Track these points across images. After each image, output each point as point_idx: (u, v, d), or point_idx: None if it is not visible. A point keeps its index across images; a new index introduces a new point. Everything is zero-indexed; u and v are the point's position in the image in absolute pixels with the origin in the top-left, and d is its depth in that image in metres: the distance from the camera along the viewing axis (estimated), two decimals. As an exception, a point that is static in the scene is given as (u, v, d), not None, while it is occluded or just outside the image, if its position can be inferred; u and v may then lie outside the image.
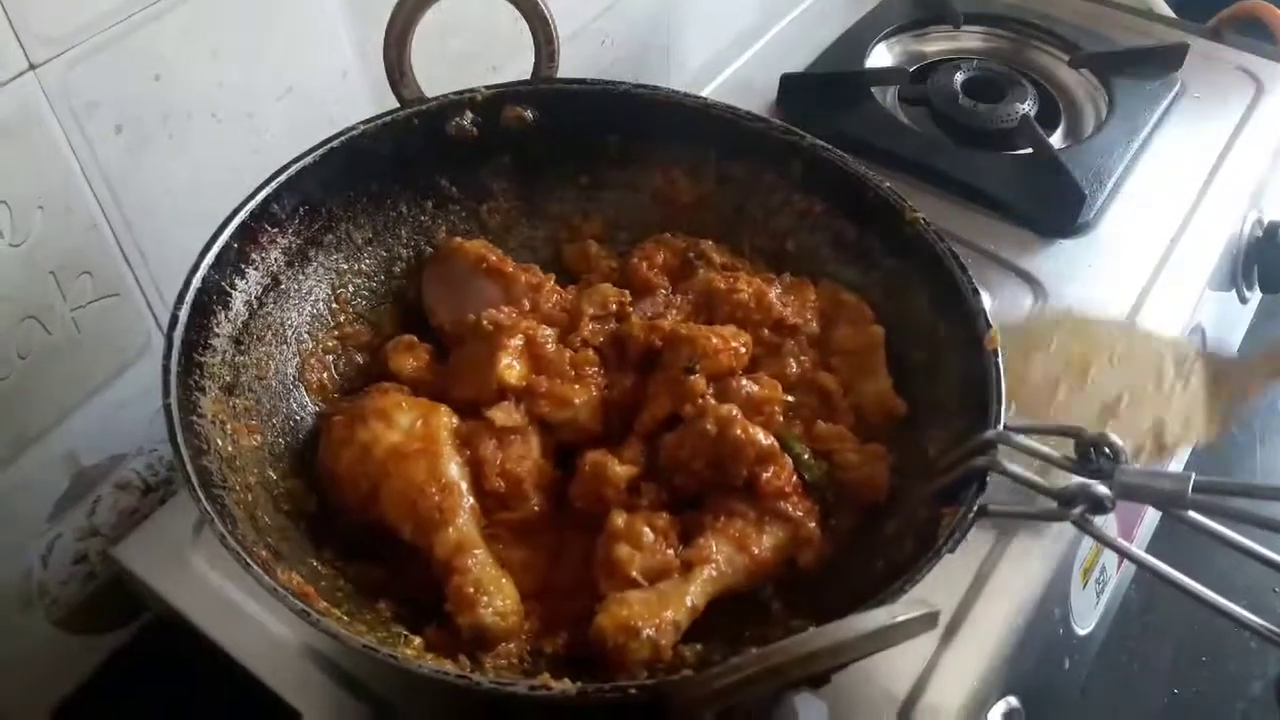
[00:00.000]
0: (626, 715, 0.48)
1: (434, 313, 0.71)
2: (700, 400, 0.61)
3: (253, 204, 0.64)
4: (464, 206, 0.76)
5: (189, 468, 0.53)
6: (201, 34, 0.66)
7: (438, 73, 0.83)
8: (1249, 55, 1.11)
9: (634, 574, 0.55)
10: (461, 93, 0.72)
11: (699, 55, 1.09)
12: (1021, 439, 0.53)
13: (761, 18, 1.15)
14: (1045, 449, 0.52)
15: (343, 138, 0.68)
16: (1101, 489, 0.50)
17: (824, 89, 1.02)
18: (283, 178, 0.65)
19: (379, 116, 0.70)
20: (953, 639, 0.64)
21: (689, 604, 0.53)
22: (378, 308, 0.73)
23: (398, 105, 0.70)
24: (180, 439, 0.54)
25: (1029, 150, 0.96)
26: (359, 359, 0.71)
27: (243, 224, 0.63)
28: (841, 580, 0.58)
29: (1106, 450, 0.50)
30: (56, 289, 0.65)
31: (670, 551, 0.57)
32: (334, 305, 0.71)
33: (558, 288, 0.71)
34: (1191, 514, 0.48)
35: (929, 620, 0.42)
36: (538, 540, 0.60)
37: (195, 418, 0.57)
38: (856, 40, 1.09)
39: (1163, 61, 1.06)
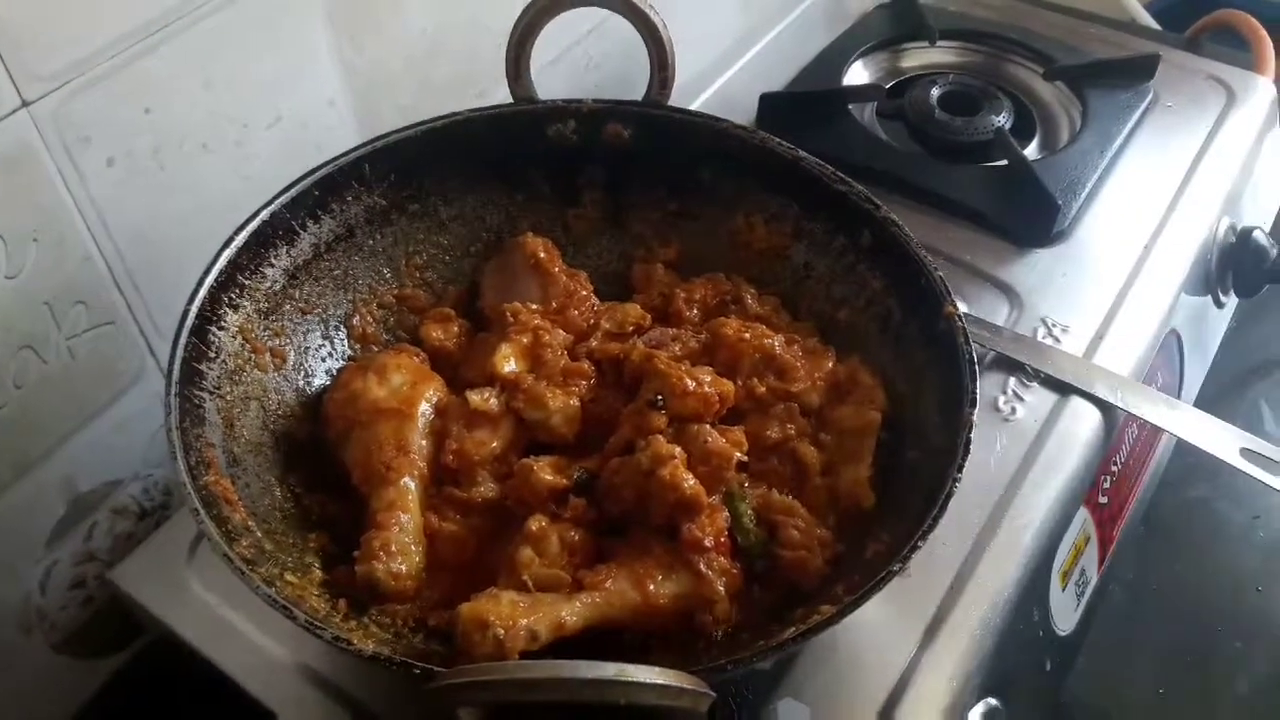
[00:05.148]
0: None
1: (483, 294, 0.76)
2: (652, 435, 0.61)
3: (344, 160, 0.69)
4: (553, 206, 0.79)
5: (177, 358, 0.58)
6: (191, 67, 0.68)
7: (424, 96, 0.85)
8: (1221, 64, 1.13)
9: (525, 577, 0.57)
10: (569, 101, 0.75)
11: (681, 75, 1.10)
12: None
13: (742, 38, 1.17)
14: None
15: (447, 120, 0.72)
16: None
17: (803, 107, 1.03)
18: (380, 144, 0.71)
19: (488, 107, 0.74)
20: (933, 640, 0.65)
21: (559, 620, 0.53)
22: (446, 279, 0.77)
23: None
24: (184, 333, 0.59)
25: (1004, 162, 0.98)
26: (413, 320, 0.75)
27: (328, 175, 0.69)
28: (734, 646, 0.57)
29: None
30: (51, 319, 0.66)
31: (572, 568, 0.58)
32: (403, 267, 0.75)
33: (594, 299, 0.74)
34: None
35: (670, 692, 0.43)
36: (475, 522, 0.62)
37: (215, 327, 0.62)
38: (834, 58, 1.11)
39: (1135, 72, 1.08)
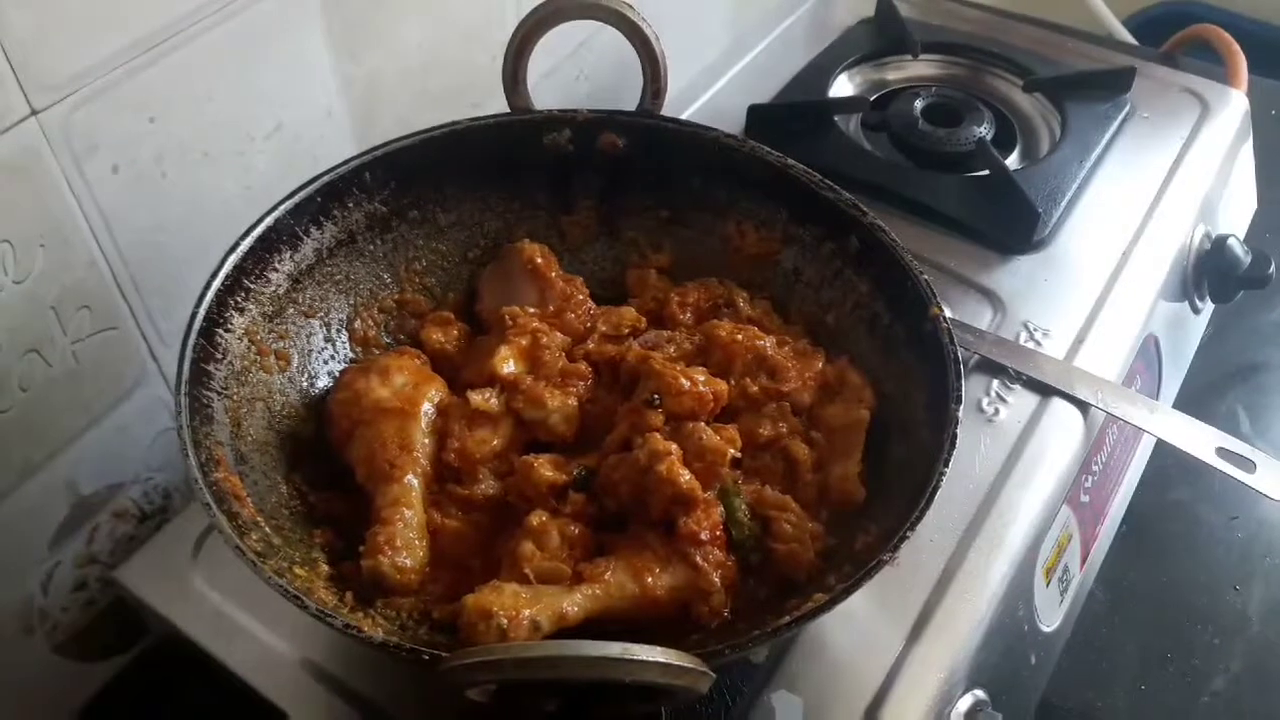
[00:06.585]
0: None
1: (481, 298, 0.78)
2: (649, 432, 0.63)
3: (346, 168, 0.71)
4: (549, 213, 0.81)
5: (186, 359, 0.60)
6: (194, 77, 0.69)
7: (420, 106, 0.87)
8: (1195, 77, 1.16)
9: (527, 570, 0.58)
10: (565, 111, 0.77)
11: (671, 87, 1.12)
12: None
13: (730, 51, 1.20)
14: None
15: (446, 129, 0.74)
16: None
17: (790, 118, 1.06)
18: (380, 152, 0.73)
19: (486, 117, 0.76)
20: (921, 635, 0.67)
21: (560, 611, 0.55)
22: (444, 284, 0.79)
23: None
24: (193, 335, 0.61)
25: (986, 172, 1.00)
26: (413, 324, 0.77)
27: (330, 183, 0.71)
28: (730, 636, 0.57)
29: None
30: (57, 323, 0.67)
31: (572, 561, 0.59)
32: (402, 272, 0.77)
33: (590, 303, 0.75)
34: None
35: (672, 670, 0.44)
36: (477, 519, 0.64)
37: (222, 329, 0.64)
38: (820, 71, 1.13)
39: (1112, 84, 1.10)
